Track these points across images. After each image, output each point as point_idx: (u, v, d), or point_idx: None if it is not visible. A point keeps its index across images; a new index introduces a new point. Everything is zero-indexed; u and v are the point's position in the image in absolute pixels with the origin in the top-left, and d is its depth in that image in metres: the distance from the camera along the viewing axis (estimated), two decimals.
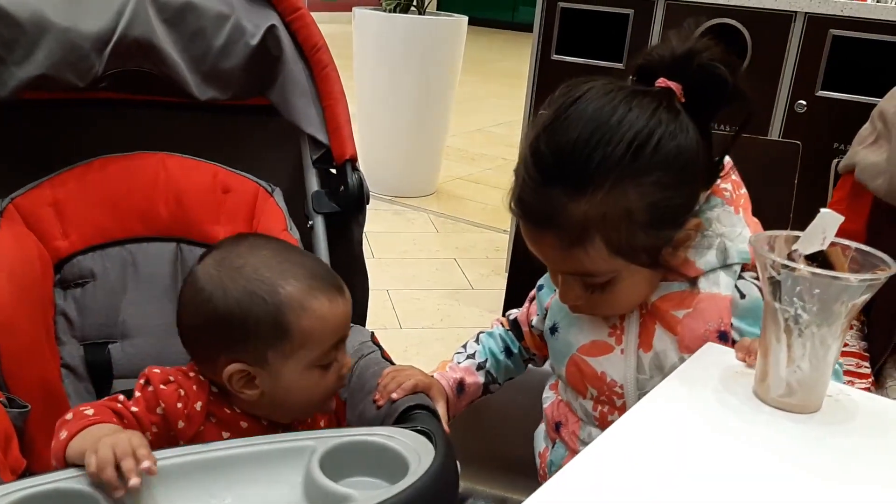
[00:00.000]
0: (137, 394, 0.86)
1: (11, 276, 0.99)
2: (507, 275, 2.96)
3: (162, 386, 0.86)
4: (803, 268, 0.68)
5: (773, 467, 0.66)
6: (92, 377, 1.08)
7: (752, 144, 1.43)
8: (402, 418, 0.91)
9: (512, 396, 1.43)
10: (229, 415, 0.89)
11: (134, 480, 0.72)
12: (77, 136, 1.20)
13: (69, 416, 0.81)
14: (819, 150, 2.09)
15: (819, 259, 0.71)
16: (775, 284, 0.70)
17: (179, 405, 0.86)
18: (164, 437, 0.86)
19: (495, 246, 3.20)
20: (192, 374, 0.90)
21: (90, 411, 0.82)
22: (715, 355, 0.83)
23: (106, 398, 0.86)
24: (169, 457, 0.80)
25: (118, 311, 1.10)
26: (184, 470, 0.80)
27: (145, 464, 0.74)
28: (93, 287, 1.09)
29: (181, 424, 0.86)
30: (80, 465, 0.76)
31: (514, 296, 1.49)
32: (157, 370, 0.88)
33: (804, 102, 2.20)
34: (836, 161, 1.41)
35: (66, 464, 0.78)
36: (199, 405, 0.87)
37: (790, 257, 0.71)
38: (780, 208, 1.34)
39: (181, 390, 0.87)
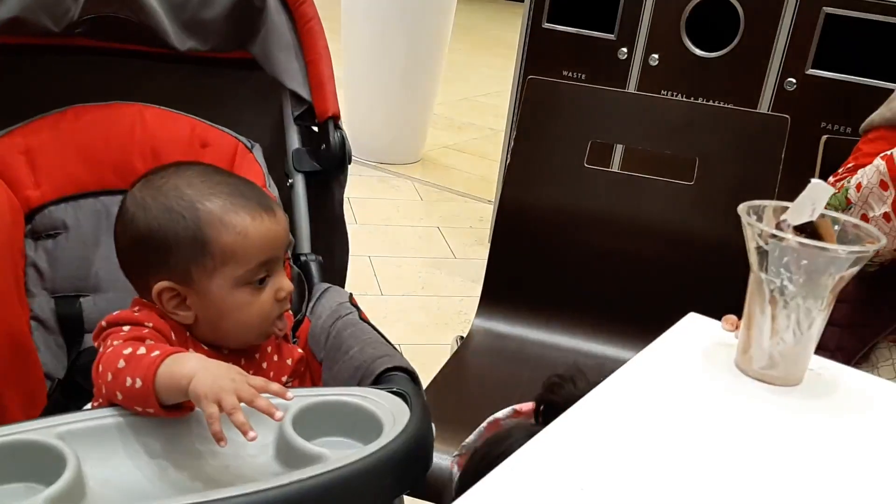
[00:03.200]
0: (123, 332, 0.84)
1: None
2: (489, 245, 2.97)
3: (136, 314, 0.86)
4: (791, 238, 0.66)
5: (752, 439, 0.65)
6: (62, 331, 1.05)
7: (740, 117, 1.42)
8: (379, 380, 0.89)
9: (490, 361, 1.43)
10: (190, 339, 0.89)
11: (251, 434, 0.72)
12: (51, 84, 1.16)
13: (121, 363, 0.78)
14: (807, 129, 2.08)
15: (807, 230, 0.70)
16: (762, 254, 0.68)
17: (162, 320, 0.86)
18: None
19: (479, 216, 3.18)
20: (146, 303, 0.89)
21: (142, 350, 0.78)
22: (696, 325, 0.82)
23: (123, 338, 0.82)
24: (141, 416, 0.78)
25: (90, 265, 1.07)
26: (154, 424, 0.78)
27: (290, 394, 0.77)
28: (65, 239, 1.07)
29: (174, 336, 0.86)
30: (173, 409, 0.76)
31: (496, 267, 1.48)
32: (114, 314, 0.87)
33: (794, 80, 2.19)
34: (825, 138, 1.40)
35: (159, 408, 0.76)
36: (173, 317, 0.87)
37: (778, 227, 0.70)
38: (765, 182, 1.34)
39: (152, 312, 0.87)
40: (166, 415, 0.77)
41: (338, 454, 0.76)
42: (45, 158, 1.07)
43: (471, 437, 0.89)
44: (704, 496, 0.58)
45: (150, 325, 0.85)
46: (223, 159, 1.14)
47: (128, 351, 0.78)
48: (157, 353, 0.77)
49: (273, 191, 1.14)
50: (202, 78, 1.23)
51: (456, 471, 0.94)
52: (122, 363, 0.77)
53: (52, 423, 0.76)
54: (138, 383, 0.76)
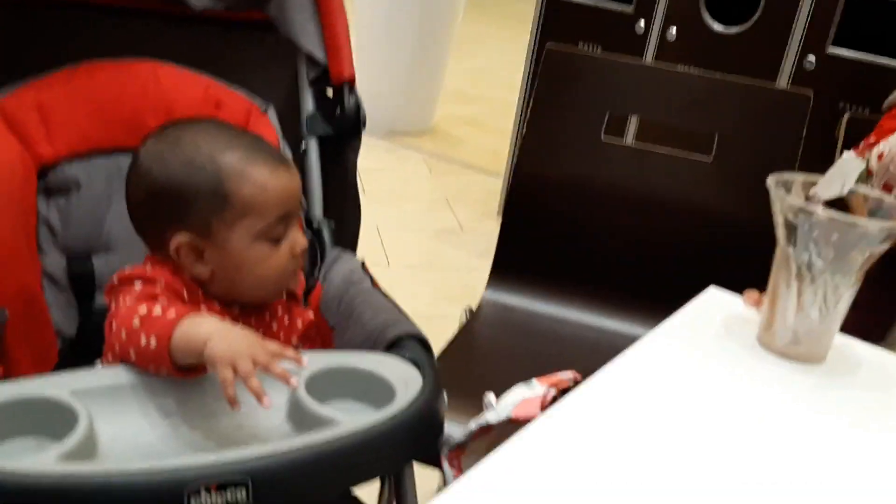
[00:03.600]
0: (136, 289, 0.83)
1: None
2: (498, 219, 2.95)
3: (148, 270, 0.85)
4: (822, 212, 0.65)
5: (774, 416, 0.64)
6: (74, 290, 1.04)
7: (761, 92, 1.40)
8: (391, 347, 0.89)
9: (499, 333, 1.42)
10: (202, 294, 0.88)
11: (266, 400, 0.72)
12: (65, 40, 1.14)
13: (136, 322, 0.77)
14: (825, 109, 2.05)
15: (837, 206, 0.68)
16: (790, 228, 0.67)
17: (174, 278, 0.85)
18: None
19: (488, 189, 3.16)
20: (158, 259, 0.88)
21: (157, 310, 0.78)
22: (717, 300, 0.80)
23: (136, 296, 0.82)
24: (154, 375, 0.78)
25: (103, 223, 1.06)
26: (167, 383, 0.77)
27: (305, 359, 0.77)
28: (77, 197, 1.05)
29: (185, 295, 0.85)
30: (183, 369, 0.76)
31: (508, 239, 1.47)
32: (126, 269, 0.86)
33: (814, 58, 2.16)
34: (846, 116, 1.38)
35: (173, 368, 0.76)
36: (186, 275, 0.86)
37: (807, 201, 0.69)
38: (785, 160, 1.31)
39: (164, 269, 0.86)
40: (180, 375, 0.76)
41: (350, 418, 0.76)
42: (57, 114, 1.05)
43: (460, 436, 0.88)
44: (725, 472, 0.57)
45: (162, 282, 0.84)
46: (237, 120, 1.12)
47: (143, 310, 0.77)
48: (173, 313, 0.77)
49: (287, 154, 1.12)
50: (217, 38, 1.21)
51: (447, 466, 0.94)
52: (137, 322, 0.77)
53: (64, 380, 0.75)
54: (153, 343, 0.75)
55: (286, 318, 0.95)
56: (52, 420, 0.71)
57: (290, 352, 0.76)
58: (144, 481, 0.65)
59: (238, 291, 0.89)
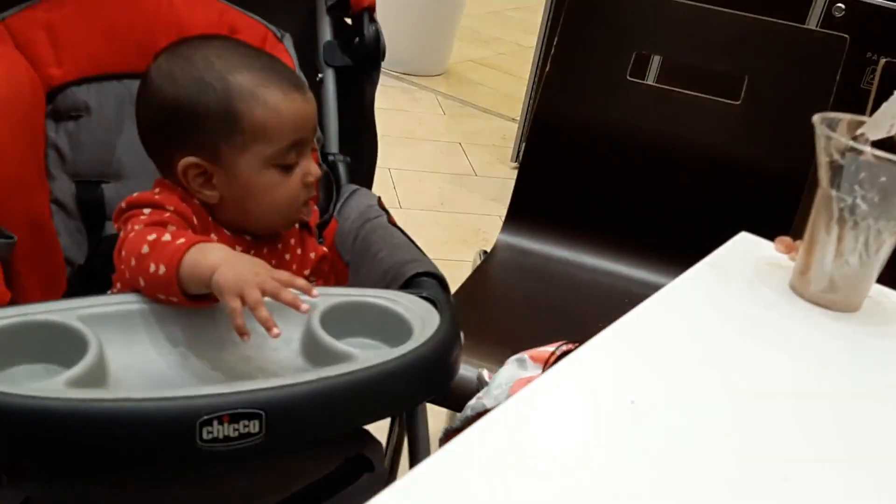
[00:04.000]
0: (145, 215, 0.81)
1: (0, 99, 0.92)
2: (512, 164, 2.91)
3: (156, 196, 0.83)
4: (871, 151, 0.62)
5: (806, 364, 0.62)
6: (83, 216, 1.02)
7: (795, 34, 1.35)
8: (408, 284, 0.86)
9: (513, 277, 1.40)
10: (212, 220, 0.86)
11: (275, 331, 0.70)
12: None
13: (145, 249, 0.75)
14: (853, 57, 1.99)
15: (885, 148, 0.65)
16: (835, 169, 0.64)
17: (183, 203, 0.83)
18: None
19: (503, 134, 3.11)
20: (168, 184, 0.86)
21: (166, 237, 0.75)
22: (748, 245, 0.78)
23: (145, 222, 0.79)
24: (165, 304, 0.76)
25: (113, 150, 1.03)
26: (179, 314, 0.76)
27: (315, 291, 0.74)
28: (87, 121, 1.02)
29: (195, 220, 0.83)
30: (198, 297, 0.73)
31: (525, 180, 1.44)
32: (134, 196, 0.84)
33: (843, 6, 2.08)
34: (882, 62, 1.32)
35: (182, 297, 0.73)
36: (196, 200, 0.84)
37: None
38: (817, 105, 1.27)
39: (173, 195, 0.84)
40: (190, 304, 0.75)
41: (365, 354, 0.74)
42: (67, 35, 1.02)
43: (457, 422, 0.86)
44: (755, 419, 0.55)
45: (171, 208, 0.81)
46: None
47: (152, 237, 0.75)
48: (182, 240, 0.74)
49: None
50: None
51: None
52: (146, 249, 0.74)
53: (73, 306, 0.73)
54: (162, 270, 0.73)
55: (299, 249, 0.93)
56: (61, 346, 0.70)
57: (300, 281, 0.74)
58: (157, 409, 0.64)
59: (247, 219, 0.86)
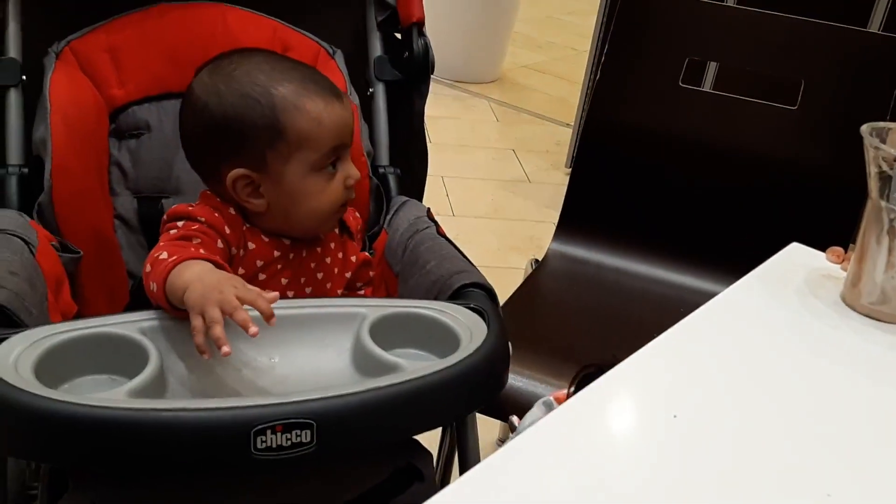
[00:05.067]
0: (175, 229, 0.85)
1: (66, 119, 0.96)
2: (566, 170, 2.90)
3: (189, 208, 0.87)
4: None
5: (857, 377, 0.61)
6: (144, 231, 1.06)
7: (853, 37, 1.31)
8: (456, 295, 0.87)
9: (565, 285, 1.40)
10: (250, 228, 0.89)
11: (253, 329, 0.72)
12: None
13: (148, 268, 0.79)
14: None
15: None
16: (885, 180, 0.63)
17: (216, 214, 0.87)
18: (227, 256, 0.86)
19: (556, 139, 3.10)
20: (210, 195, 0.90)
21: (164, 255, 0.79)
22: (800, 256, 0.76)
23: (168, 238, 0.84)
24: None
25: (172, 167, 1.06)
26: (234, 325, 0.78)
27: (274, 320, 0.73)
28: (148, 139, 1.06)
29: (227, 230, 0.86)
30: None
31: (577, 189, 1.43)
32: (173, 208, 0.88)
33: None
34: None
35: (175, 312, 0.77)
36: (232, 210, 0.88)
37: None
38: (875, 110, 1.24)
39: (209, 206, 0.87)
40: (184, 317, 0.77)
41: (414, 365, 0.75)
42: (129, 57, 1.06)
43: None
44: (801, 434, 0.55)
45: (203, 219, 0.85)
46: None
47: (157, 255, 0.79)
48: (174, 258, 0.77)
49: (354, 99, 1.11)
50: None
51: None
52: (148, 268, 0.79)
53: (135, 318, 0.77)
54: (154, 287, 0.77)
55: (340, 253, 0.96)
56: (124, 358, 0.73)
57: (263, 303, 0.73)
58: (212, 418, 0.66)
59: (292, 224, 0.90)
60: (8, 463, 0.77)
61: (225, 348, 0.71)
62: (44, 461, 0.80)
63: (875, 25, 2.06)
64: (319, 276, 0.94)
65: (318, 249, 0.94)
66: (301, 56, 1.12)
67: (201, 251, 0.81)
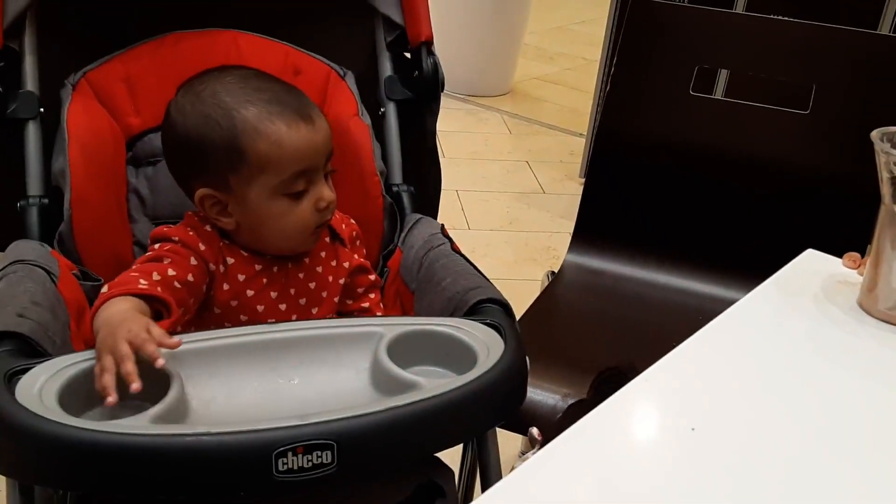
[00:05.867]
0: (150, 252, 0.88)
1: (84, 149, 0.98)
2: (580, 180, 2.90)
3: (165, 229, 0.89)
4: None
5: (874, 384, 0.61)
6: None
7: (864, 40, 1.31)
8: (472, 311, 0.88)
9: (582, 297, 1.40)
10: (229, 244, 0.90)
11: (134, 386, 0.70)
12: (148, 11, 1.16)
13: (104, 288, 0.82)
14: None
15: None
16: (895, 185, 0.63)
17: (191, 233, 0.88)
18: (204, 272, 0.88)
19: (570, 150, 3.10)
20: (191, 214, 0.92)
21: (105, 288, 0.82)
22: (815, 262, 0.76)
23: (137, 263, 0.87)
24: (238, 335, 0.80)
25: None
26: (251, 348, 0.79)
27: (177, 340, 0.74)
28: (163, 165, 1.07)
29: (202, 247, 0.87)
30: None
31: (591, 199, 1.44)
32: (155, 229, 0.91)
33: None
34: None
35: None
36: (208, 227, 0.90)
37: None
38: (889, 113, 1.23)
39: (186, 227, 0.89)
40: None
41: (432, 383, 0.76)
42: (144, 86, 1.08)
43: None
44: (823, 441, 0.55)
45: (176, 238, 0.87)
46: (316, 86, 1.13)
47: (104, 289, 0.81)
48: (105, 290, 0.80)
49: (365, 119, 1.12)
50: (295, 4, 1.21)
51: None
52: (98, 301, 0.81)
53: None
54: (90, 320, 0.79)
55: (333, 261, 0.96)
56: (147, 383, 0.74)
57: (149, 346, 0.72)
58: (233, 442, 0.67)
59: (264, 243, 0.91)
60: (35, 491, 0.78)
61: (135, 385, 0.70)
62: (70, 489, 0.81)
63: (886, 28, 2.05)
64: (312, 285, 0.94)
65: (307, 260, 0.94)
66: (312, 78, 1.13)
67: (141, 282, 0.81)
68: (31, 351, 0.75)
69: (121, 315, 0.76)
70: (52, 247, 0.94)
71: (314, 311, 0.94)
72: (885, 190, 0.65)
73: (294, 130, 0.86)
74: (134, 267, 0.85)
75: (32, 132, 0.99)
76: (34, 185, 0.98)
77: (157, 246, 0.88)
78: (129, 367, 0.71)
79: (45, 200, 0.97)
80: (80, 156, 0.96)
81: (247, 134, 0.85)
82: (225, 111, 0.86)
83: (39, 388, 0.70)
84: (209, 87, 0.88)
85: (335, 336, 0.81)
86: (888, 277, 0.66)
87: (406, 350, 0.81)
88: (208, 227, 0.90)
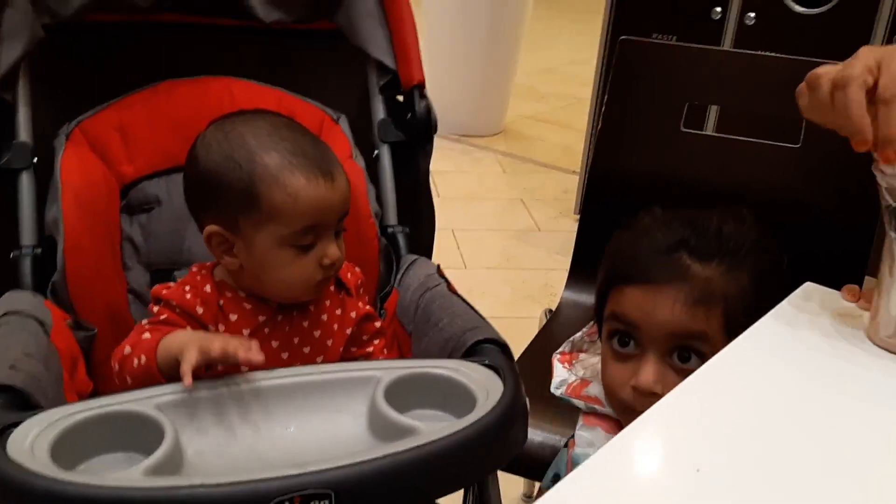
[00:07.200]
0: (152, 313, 0.89)
1: (78, 199, 0.98)
2: (575, 217, 2.90)
3: (164, 291, 0.90)
4: None
5: (878, 413, 0.60)
6: None
7: None
8: (470, 352, 0.87)
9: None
10: (231, 297, 0.90)
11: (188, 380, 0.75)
12: (141, 60, 1.17)
13: (127, 349, 0.83)
14: None
15: None
16: (893, 213, 0.62)
17: (188, 296, 0.89)
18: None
19: (564, 187, 3.11)
20: (196, 269, 0.94)
21: (147, 335, 0.83)
22: (815, 295, 0.76)
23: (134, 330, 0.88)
24: (232, 383, 0.79)
25: (183, 239, 1.08)
26: (247, 396, 0.78)
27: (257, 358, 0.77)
28: (158, 212, 1.08)
29: (200, 310, 0.88)
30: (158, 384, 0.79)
31: (586, 237, 1.43)
32: (155, 287, 0.93)
33: None
34: None
35: (160, 377, 0.80)
36: (207, 288, 0.90)
37: None
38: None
39: (185, 286, 0.90)
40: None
41: (431, 427, 0.75)
42: (137, 133, 1.09)
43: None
44: (829, 476, 0.53)
45: (174, 302, 0.88)
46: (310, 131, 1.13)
47: (138, 337, 0.84)
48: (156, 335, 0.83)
49: (359, 162, 1.13)
50: (288, 50, 1.22)
51: (557, 364, 1.00)
52: (128, 349, 0.83)
53: (150, 395, 0.77)
54: (141, 360, 0.81)
55: (339, 310, 0.95)
56: (140, 434, 0.73)
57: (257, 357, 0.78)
58: (230, 494, 0.65)
59: (264, 289, 0.90)
60: None
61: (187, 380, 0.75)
62: None
63: None
64: (317, 334, 0.93)
65: (311, 308, 0.94)
66: (306, 123, 1.13)
67: (231, 316, 0.87)
68: (23, 403, 0.74)
69: (202, 333, 0.82)
70: (46, 297, 0.93)
71: (319, 359, 0.93)
72: (886, 218, 0.65)
73: (312, 185, 0.86)
74: (145, 325, 0.87)
75: (26, 182, 0.99)
76: (27, 235, 0.98)
77: (156, 309, 0.89)
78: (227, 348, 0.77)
79: (39, 250, 0.97)
80: (73, 205, 0.96)
81: (264, 181, 0.85)
82: (248, 154, 0.86)
83: (31, 442, 0.68)
84: (238, 128, 0.88)
85: (331, 381, 0.80)
86: (887, 306, 0.66)
87: (404, 394, 0.80)
88: (208, 288, 0.90)
